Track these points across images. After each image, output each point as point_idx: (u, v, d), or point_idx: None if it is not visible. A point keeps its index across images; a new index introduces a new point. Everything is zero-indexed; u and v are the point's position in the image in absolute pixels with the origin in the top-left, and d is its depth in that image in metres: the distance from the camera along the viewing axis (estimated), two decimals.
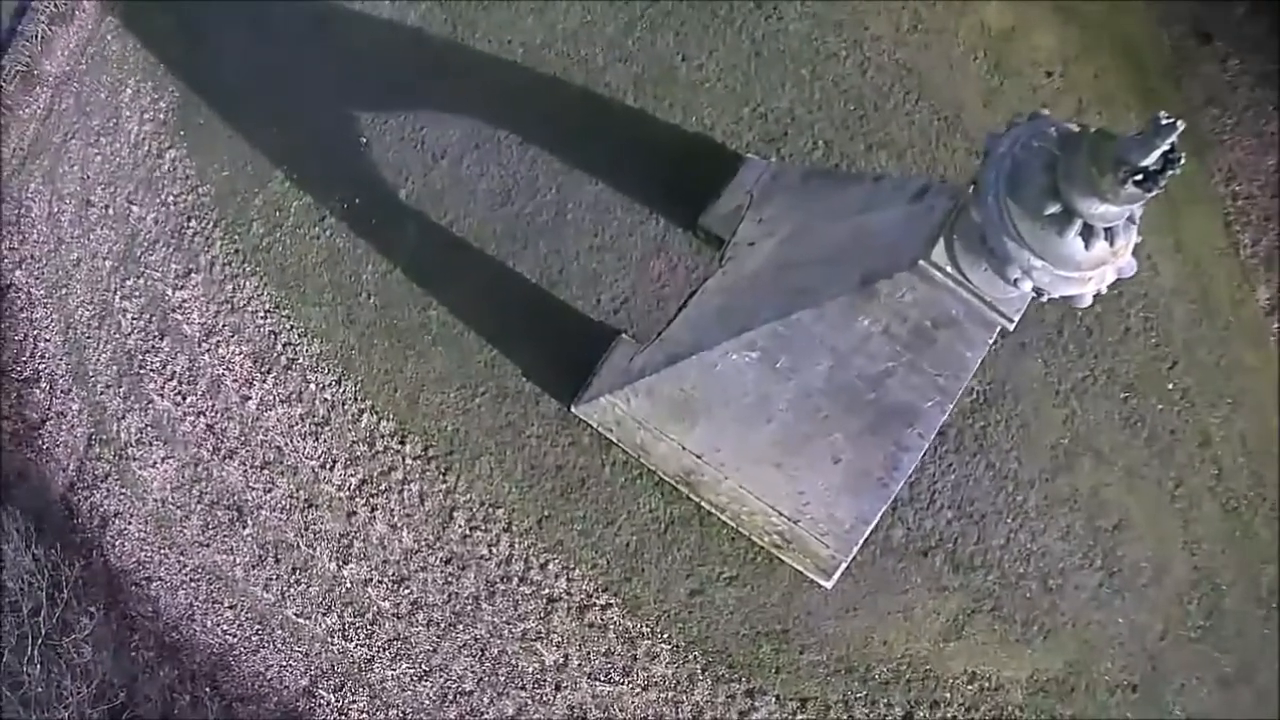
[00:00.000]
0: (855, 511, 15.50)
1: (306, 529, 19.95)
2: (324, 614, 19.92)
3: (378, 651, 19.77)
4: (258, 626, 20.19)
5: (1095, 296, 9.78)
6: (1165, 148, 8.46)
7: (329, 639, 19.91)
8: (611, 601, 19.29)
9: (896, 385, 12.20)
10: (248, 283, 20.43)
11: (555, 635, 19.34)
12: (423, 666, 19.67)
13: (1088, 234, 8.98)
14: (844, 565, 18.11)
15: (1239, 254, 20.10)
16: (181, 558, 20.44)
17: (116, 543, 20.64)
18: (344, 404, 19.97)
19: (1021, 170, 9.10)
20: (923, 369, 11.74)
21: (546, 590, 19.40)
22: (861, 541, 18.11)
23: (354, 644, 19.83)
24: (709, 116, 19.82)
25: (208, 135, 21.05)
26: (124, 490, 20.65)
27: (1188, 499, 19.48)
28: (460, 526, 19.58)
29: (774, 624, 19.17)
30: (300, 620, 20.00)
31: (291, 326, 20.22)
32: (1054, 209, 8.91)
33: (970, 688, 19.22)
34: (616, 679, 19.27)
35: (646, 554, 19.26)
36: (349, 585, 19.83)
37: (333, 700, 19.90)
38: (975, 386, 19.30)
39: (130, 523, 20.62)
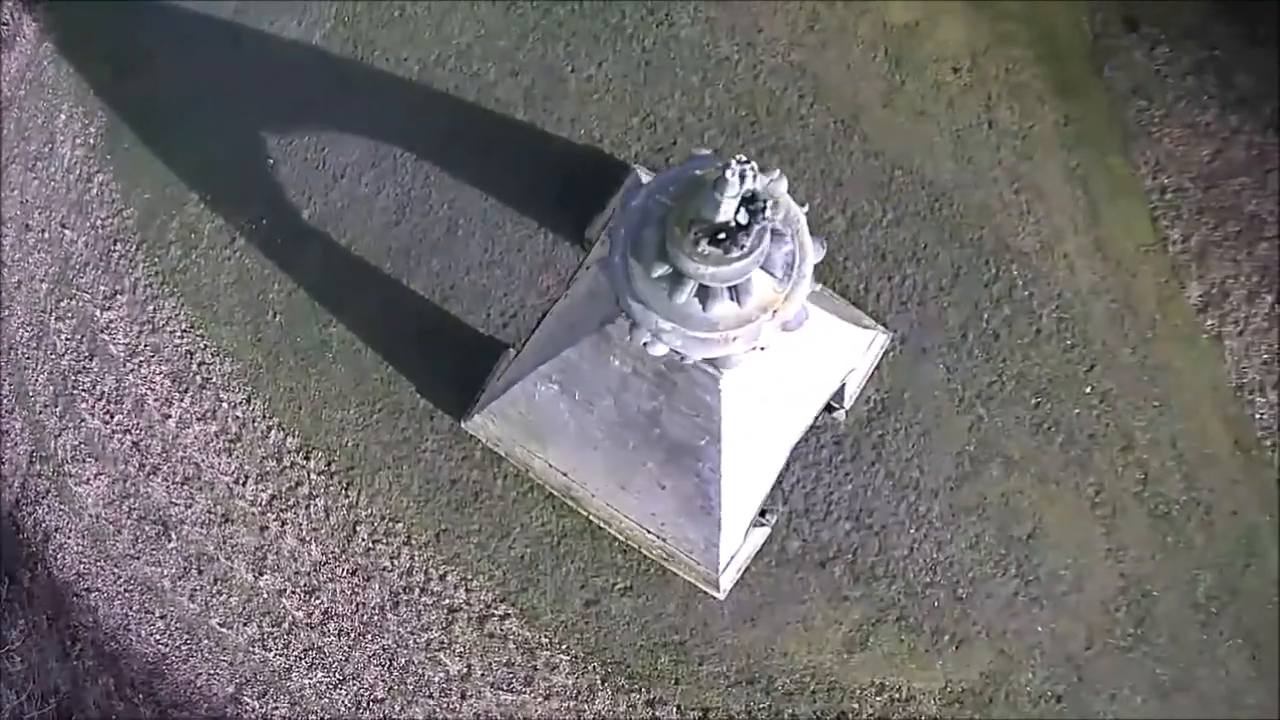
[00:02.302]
0: (701, 534, 15.40)
1: (225, 542, 20.55)
2: (244, 624, 20.53)
3: (294, 660, 20.32)
4: (186, 636, 20.89)
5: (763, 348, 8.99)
6: (737, 200, 7.05)
7: (250, 648, 20.53)
8: (510, 612, 19.48)
9: (669, 423, 12.02)
10: (166, 303, 21.01)
11: (458, 645, 19.62)
12: (336, 675, 20.16)
13: (704, 295, 7.95)
14: (728, 577, 17.99)
15: (1167, 250, 19.25)
16: (116, 570, 21.23)
17: (58, 556, 21.52)
18: (254, 421, 20.46)
19: (645, 225, 8.11)
20: (680, 409, 11.51)
21: (447, 601, 19.68)
22: (744, 555, 18.01)
23: (273, 653, 20.41)
24: (598, 128, 19.65)
25: (133, 159, 21.62)
26: (63, 506, 21.49)
27: (1110, 505, 18.83)
28: (363, 540, 19.96)
29: (671, 635, 19.12)
30: (223, 630, 20.64)
31: (205, 346, 20.76)
32: (662, 270, 7.93)
33: (879, 699, 18.95)
34: (519, 688, 19.48)
35: (541, 565, 19.39)
36: (265, 596, 20.39)
37: (257, 707, 20.54)
38: (871, 395, 18.89)
39: (69, 537, 21.46)
